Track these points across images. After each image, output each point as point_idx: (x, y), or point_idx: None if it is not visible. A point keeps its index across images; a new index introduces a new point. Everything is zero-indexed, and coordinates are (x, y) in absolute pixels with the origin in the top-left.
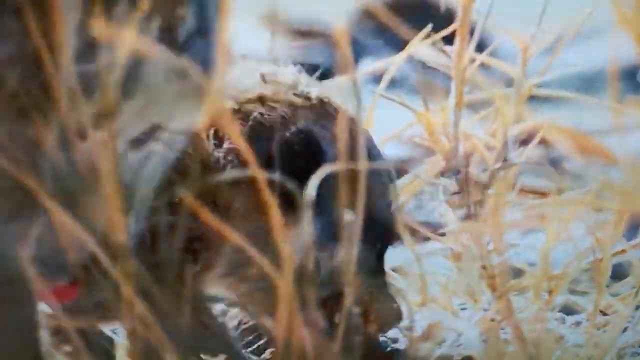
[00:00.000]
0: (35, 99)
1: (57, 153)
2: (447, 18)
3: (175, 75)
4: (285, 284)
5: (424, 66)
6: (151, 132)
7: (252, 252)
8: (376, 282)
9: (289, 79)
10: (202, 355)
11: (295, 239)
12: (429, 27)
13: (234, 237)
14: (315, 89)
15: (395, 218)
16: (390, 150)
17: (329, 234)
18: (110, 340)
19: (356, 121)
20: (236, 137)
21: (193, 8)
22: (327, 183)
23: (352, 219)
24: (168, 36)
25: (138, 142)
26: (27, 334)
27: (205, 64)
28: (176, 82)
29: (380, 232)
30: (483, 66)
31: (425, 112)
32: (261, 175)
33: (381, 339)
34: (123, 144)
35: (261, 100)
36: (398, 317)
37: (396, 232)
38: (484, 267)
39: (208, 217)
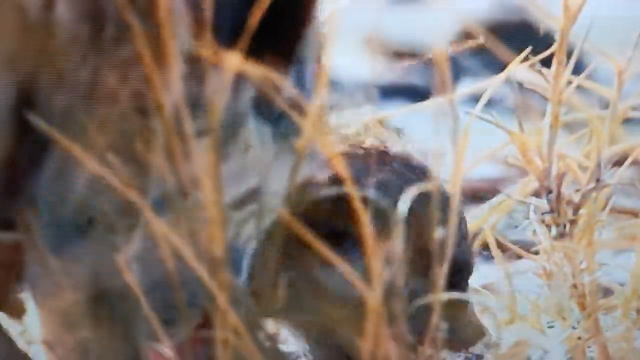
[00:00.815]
0: (142, 115)
1: (163, 169)
2: (545, 41)
3: (272, 138)
4: (374, 299)
5: (521, 87)
6: (250, 194)
7: (345, 268)
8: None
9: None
10: None
11: (386, 255)
12: (528, 49)
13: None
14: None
15: (470, 254)
16: (484, 170)
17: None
18: None
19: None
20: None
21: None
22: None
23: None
24: (265, 108)
25: (238, 204)
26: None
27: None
28: (273, 144)
29: (457, 268)
30: (579, 88)
31: (519, 133)
32: (356, 193)
33: (466, 355)
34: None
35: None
36: (481, 335)
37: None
38: (574, 286)
39: (306, 235)
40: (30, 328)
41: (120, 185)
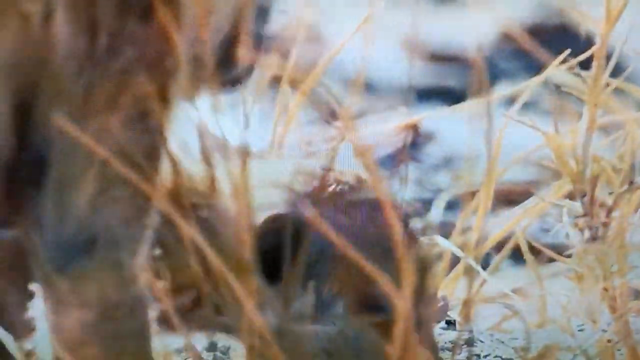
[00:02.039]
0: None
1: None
2: (583, 43)
3: None
4: (403, 304)
5: (558, 90)
6: None
7: (374, 271)
8: None
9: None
10: None
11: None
12: (567, 52)
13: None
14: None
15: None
16: (518, 173)
17: None
18: None
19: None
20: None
21: None
22: None
23: None
24: None
25: None
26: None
27: None
28: None
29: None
30: (616, 90)
31: (555, 135)
32: (387, 197)
33: (495, 358)
34: None
35: None
36: None
37: None
38: (605, 289)
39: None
40: (40, 348)
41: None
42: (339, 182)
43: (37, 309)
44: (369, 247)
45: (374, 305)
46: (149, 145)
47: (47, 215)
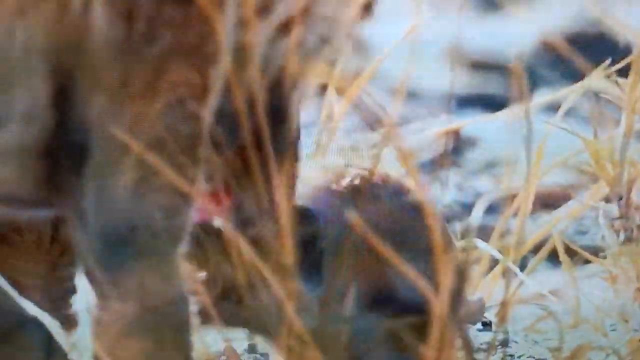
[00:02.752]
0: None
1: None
2: (622, 52)
3: None
4: (441, 305)
5: (597, 97)
6: None
7: (414, 275)
8: None
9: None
10: None
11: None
12: (608, 60)
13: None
14: None
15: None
16: (556, 177)
17: None
18: None
19: None
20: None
21: None
22: None
23: None
24: None
25: None
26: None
27: None
28: None
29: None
30: None
31: (593, 140)
32: (430, 202)
33: (529, 359)
34: None
35: None
36: None
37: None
38: (638, 289)
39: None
40: (81, 343)
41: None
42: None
43: (80, 303)
44: (407, 248)
45: (387, 298)
46: (188, 133)
47: (88, 202)
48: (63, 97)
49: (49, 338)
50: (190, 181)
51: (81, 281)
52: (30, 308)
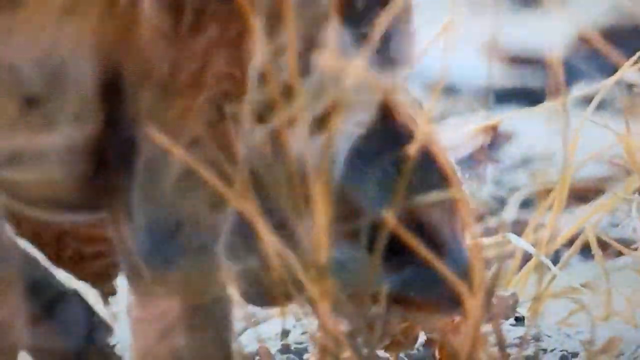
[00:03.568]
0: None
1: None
2: None
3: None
4: (474, 301)
5: (630, 90)
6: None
7: (442, 268)
8: None
9: None
10: None
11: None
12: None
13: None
14: None
15: None
16: (590, 170)
17: None
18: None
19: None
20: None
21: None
22: None
23: None
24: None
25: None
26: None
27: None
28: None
29: None
30: None
31: (626, 134)
32: (464, 195)
33: (561, 352)
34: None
35: None
36: None
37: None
38: None
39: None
40: (120, 339)
41: (211, 177)
42: None
43: (120, 304)
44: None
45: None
46: (228, 129)
47: (135, 199)
48: (111, 94)
49: (90, 311)
50: (228, 178)
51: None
52: (70, 281)
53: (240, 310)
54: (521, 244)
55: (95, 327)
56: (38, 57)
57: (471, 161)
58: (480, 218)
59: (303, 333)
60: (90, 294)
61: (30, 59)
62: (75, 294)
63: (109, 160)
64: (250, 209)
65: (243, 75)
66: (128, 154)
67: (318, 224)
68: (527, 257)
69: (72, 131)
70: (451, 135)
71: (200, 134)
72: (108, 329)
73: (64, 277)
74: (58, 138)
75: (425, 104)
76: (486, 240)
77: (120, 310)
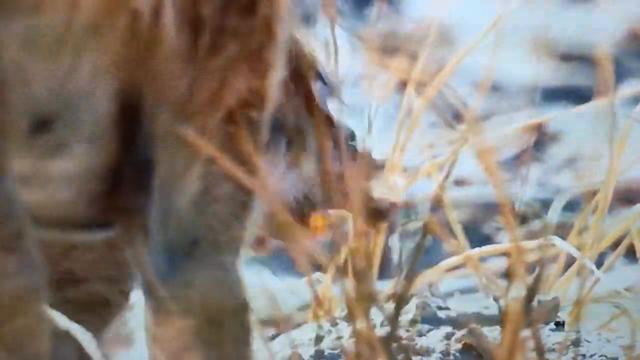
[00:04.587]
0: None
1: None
2: None
3: None
4: (513, 306)
5: None
6: None
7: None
8: None
9: None
10: None
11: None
12: None
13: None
14: None
15: None
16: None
17: None
18: None
19: None
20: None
21: None
22: None
23: None
24: None
25: None
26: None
27: None
28: None
29: None
30: None
31: None
32: (505, 199)
33: (600, 358)
34: None
35: None
36: None
37: None
38: None
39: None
40: (137, 356)
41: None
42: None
43: (136, 320)
44: None
45: None
46: (250, 141)
47: (152, 218)
48: (129, 115)
49: (80, 351)
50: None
51: (137, 298)
52: (61, 320)
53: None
54: (565, 247)
55: None
56: (56, 78)
57: (515, 161)
58: (523, 220)
59: (337, 339)
60: (80, 333)
61: (47, 79)
62: (67, 334)
63: (124, 180)
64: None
65: (264, 87)
66: (144, 175)
67: (356, 227)
68: (570, 261)
69: (86, 154)
70: (496, 135)
71: (219, 150)
72: None
73: (56, 316)
74: (70, 160)
75: (470, 102)
76: (529, 243)
77: (137, 327)
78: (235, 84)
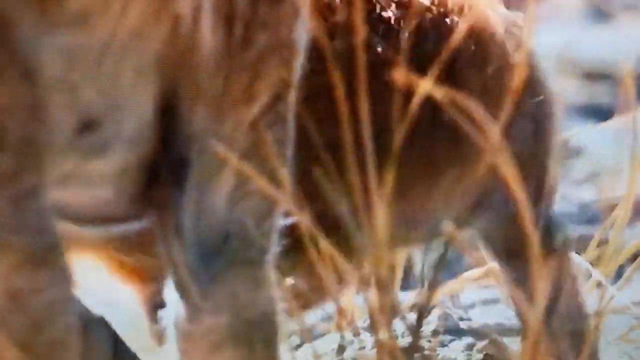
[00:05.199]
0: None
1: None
2: None
3: None
4: (534, 317)
5: None
6: None
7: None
8: None
9: None
10: None
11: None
12: None
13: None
14: None
15: None
16: None
17: None
18: None
19: None
20: None
21: None
22: None
23: None
24: None
25: None
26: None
27: None
28: None
29: None
30: None
31: None
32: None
33: None
34: None
35: None
36: None
37: None
38: None
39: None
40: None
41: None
42: None
43: (168, 318)
44: None
45: None
46: (280, 132)
47: (186, 214)
48: (168, 114)
49: (115, 338)
50: (278, 185)
51: (170, 295)
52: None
53: (296, 325)
54: (581, 263)
55: (120, 354)
56: (101, 82)
57: None
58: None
59: (360, 349)
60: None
61: (92, 84)
62: (100, 320)
63: (161, 177)
64: (303, 217)
65: (290, 74)
66: (180, 171)
67: (378, 237)
68: (590, 273)
69: (126, 154)
70: None
71: (252, 143)
72: (132, 356)
73: (90, 304)
74: (111, 161)
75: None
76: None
77: (169, 324)
78: (267, 76)
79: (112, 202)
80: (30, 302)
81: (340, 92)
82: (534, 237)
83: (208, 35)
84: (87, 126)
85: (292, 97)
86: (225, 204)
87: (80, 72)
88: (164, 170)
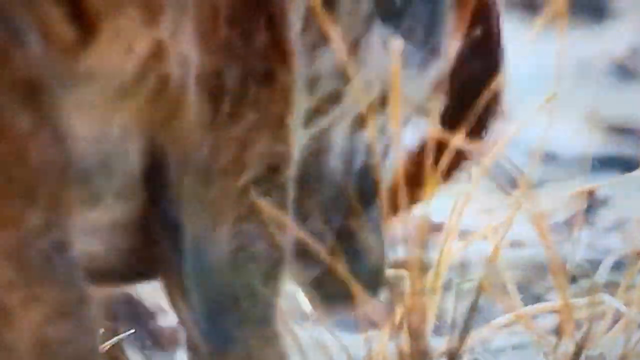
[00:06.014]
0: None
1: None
2: None
3: None
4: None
5: None
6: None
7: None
8: None
9: None
10: None
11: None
12: None
13: None
14: None
15: None
16: None
17: None
18: None
19: None
20: None
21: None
22: None
23: None
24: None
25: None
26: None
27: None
28: None
29: None
30: None
31: None
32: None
33: None
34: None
35: None
36: None
37: None
38: None
39: None
40: None
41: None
42: None
43: None
44: None
45: None
46: (278, 200)
47: (187, 274)
48: (156, 173)
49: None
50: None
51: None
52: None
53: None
54: (614, 303)
55: None
56: (93, 134)
57: (568, 225)
58: (573, 280)
59: None
60: None
61: (85, 136)
62: None
63: (155, 236)
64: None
65: (287, 148)
66: (174, 233)
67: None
68: (616, 318)
69: (116, 206)
70: (550, 200)
71: (245, 212)
72: None
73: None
74: (102, 212)
75: (524, 171)
76: (578, 301)
77: None
78: (257, 149)
79: (105, 258)
80: (60, 352)
81: None
82: (563, 285)
83: (194, 102)
84: (79, 177)
85: (292, 169)
86: (228, 266)
87: (77, 127)
88: (156, 229)
